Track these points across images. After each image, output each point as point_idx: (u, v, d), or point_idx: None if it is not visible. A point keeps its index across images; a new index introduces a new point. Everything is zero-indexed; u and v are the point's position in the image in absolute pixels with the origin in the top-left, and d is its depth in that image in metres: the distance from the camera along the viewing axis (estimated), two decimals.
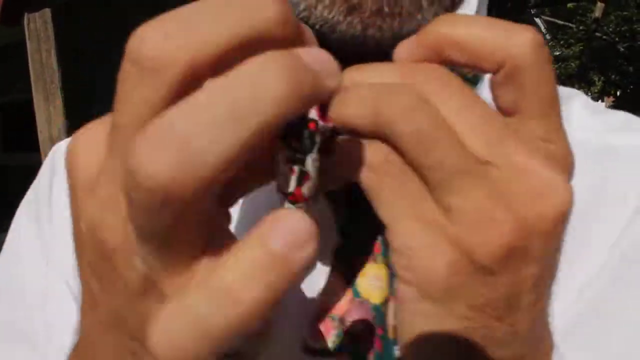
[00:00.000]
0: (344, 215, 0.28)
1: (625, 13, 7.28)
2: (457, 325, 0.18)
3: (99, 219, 0.18)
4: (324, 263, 0.29)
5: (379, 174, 0.19)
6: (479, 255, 0.17)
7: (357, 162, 0.20)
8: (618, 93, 8.70)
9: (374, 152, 0.19)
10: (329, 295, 0.27)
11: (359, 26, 0.26)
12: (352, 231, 0.27)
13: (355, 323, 0.27)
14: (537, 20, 8.04)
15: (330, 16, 0.26)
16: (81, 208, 0.19)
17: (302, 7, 0.26)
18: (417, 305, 0.19)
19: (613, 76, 8.17)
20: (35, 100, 2.40)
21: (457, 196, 0.18)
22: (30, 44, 2.44)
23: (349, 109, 0.19)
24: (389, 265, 0.26)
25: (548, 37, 9.03)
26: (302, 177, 0.20)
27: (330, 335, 0.26)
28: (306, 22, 0.26)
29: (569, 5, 7.32)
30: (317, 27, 0.26)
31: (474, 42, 0.19)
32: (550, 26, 8.84)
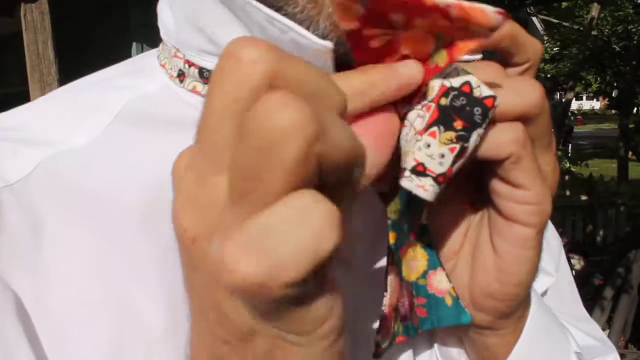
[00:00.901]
0: (398, 211, 0.30)
1: (620, 13, 7.29)
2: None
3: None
4: (382, 260, 0.32)
5: (524, 147, 0.26)
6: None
7: (504, 136, 0.26)
8: (614, 93, 8.73)
9: (518, 129, 0.26)
10: (392, 293, 0.29)
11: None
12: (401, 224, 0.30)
13: (404, 305, 0.29)
14: (534, 19, 8.04)
15: (325, 23, 0.28)
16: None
17: (322, 25, 0.28)
18: (532, 241, 0.28)
19: (608, 76, 8.19)
20: (31, 92, 2.39)
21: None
22: (26, 35, 2.42)
23: (530, 100, 0.26)
24: (428, 245, 0.30)
25: (545, 36, 9.04)
26: (460, 154, 0.24)
27: (392, 327, 0.28)
28: (325, 38, 0.28)
29: (565, 3, 7.32)
30: (333, 41, 0.28)
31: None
32: (546, 25, 8.86)
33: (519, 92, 0.26)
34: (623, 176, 5.76)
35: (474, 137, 0.24)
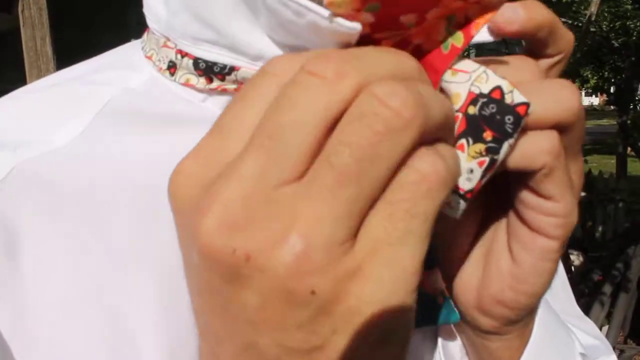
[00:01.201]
0: None
1: (618, 9, 7.27)
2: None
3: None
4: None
5: (558, 158, 0.24)
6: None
7: (538, 147, 0.23)
8: (612, 90, 8.71)
9: (553, 139, 0.23)
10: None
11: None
12: None
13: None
14: None
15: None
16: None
17: None
18: (555, 253, 0.26)
19: (607, 73, 8.18)
20: None
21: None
22: (24, 32, 2.41)
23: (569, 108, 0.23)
24: None
25: None
26: (490, 167, 0.22)
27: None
28: None
29: None
30: None
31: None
32: None
33: (556, 97, 0.23)
34: (622, 172, 5.76)
35: (505, 148, 0.22)
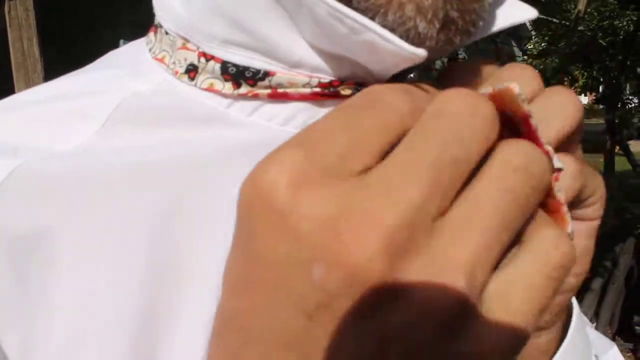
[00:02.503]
0: None
1: (606, 8, 7.34)
2: None
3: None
4: None
5: (582, 173, 0.24)
6: None
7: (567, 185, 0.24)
8: (600, 89, 8.79)
9: (572, 166, 0.24)
10: None
11: (441, 43, 0.26)
12: None
13: None
14: None
15: (425, 31, 0.25)
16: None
17: (391, 17, 0.25)
18: (596, 230, 0.27)
19: (595, 72, 8.25)
20: (16, 90, 2.36)
21: None
22: (11, 33, 2.39)
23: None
24: None
25: (533, 31, 9.07)
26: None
27: None
28: (392, 31, 0.25)
29: None
30: (399, 36, 0.25)
31: None
32: (534, 21, 8.87)
33: (564, 113, 0.23)
34: (610, 170, 5.80)
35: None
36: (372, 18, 0.24)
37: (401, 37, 0.25)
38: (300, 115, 0.30)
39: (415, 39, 0.25)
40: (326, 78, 0.29)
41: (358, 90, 0.29)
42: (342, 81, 0.29)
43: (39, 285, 0.25)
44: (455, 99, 0.18)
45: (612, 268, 3.26)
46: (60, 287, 0.25)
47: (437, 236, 0.16)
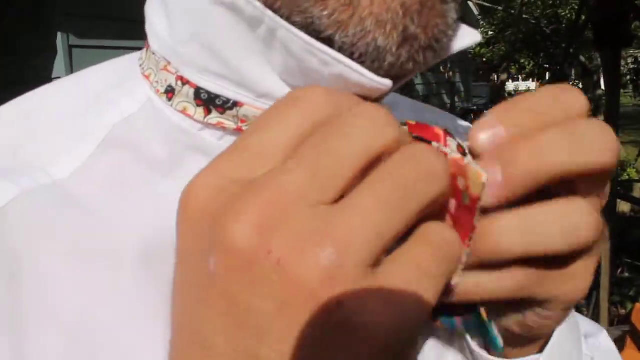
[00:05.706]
0: None
1: None
2: None
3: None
4: None
5: (598, 230, 0.23)
6: None
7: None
8: (547, 76, 9.09)
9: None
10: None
11: (404, 58, 0.26)
12: None
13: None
14: (470, 3, 8.25)
15: (385, 44, 0.26)
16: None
17: (352, 31, 0.25)
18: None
19: (541, 59, 8.52)
20: None
21: None
22: None
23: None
24: None
25: (481, 20, 9.28)
26: None
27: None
28: (352, 46, 0.26)
29: None
30: (360, 52, 0.26)
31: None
32: (481, 9, 9.10)
33: (598, 149, 0.21)
34: None
35: None
36: (334, 34, 0.25)
37: (362, 53, 0.26)
38: None
39: (374, 54, 0.26)
40: None
41: None
42: None
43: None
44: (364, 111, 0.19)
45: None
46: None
47: (318, 218, 0.17)
